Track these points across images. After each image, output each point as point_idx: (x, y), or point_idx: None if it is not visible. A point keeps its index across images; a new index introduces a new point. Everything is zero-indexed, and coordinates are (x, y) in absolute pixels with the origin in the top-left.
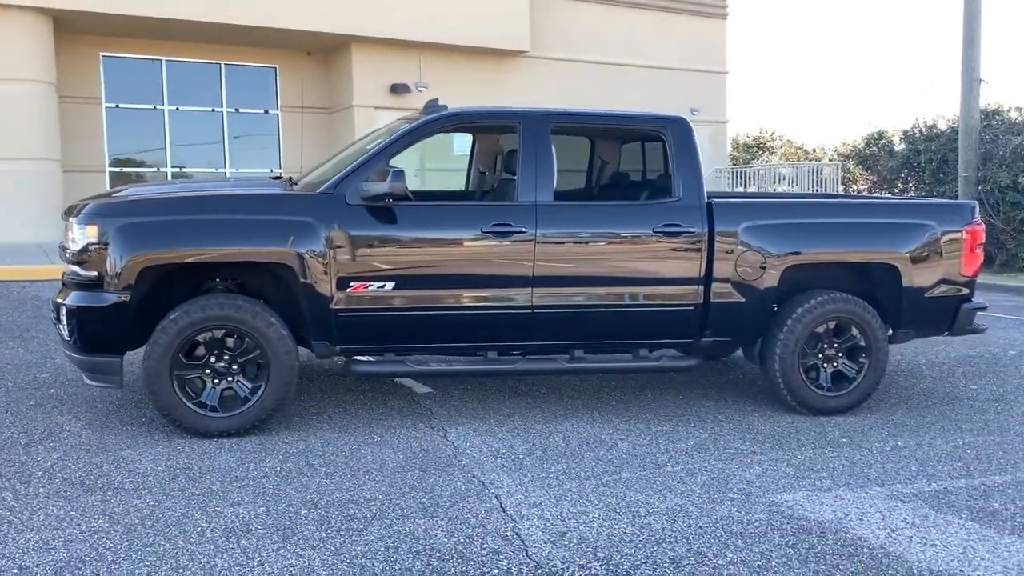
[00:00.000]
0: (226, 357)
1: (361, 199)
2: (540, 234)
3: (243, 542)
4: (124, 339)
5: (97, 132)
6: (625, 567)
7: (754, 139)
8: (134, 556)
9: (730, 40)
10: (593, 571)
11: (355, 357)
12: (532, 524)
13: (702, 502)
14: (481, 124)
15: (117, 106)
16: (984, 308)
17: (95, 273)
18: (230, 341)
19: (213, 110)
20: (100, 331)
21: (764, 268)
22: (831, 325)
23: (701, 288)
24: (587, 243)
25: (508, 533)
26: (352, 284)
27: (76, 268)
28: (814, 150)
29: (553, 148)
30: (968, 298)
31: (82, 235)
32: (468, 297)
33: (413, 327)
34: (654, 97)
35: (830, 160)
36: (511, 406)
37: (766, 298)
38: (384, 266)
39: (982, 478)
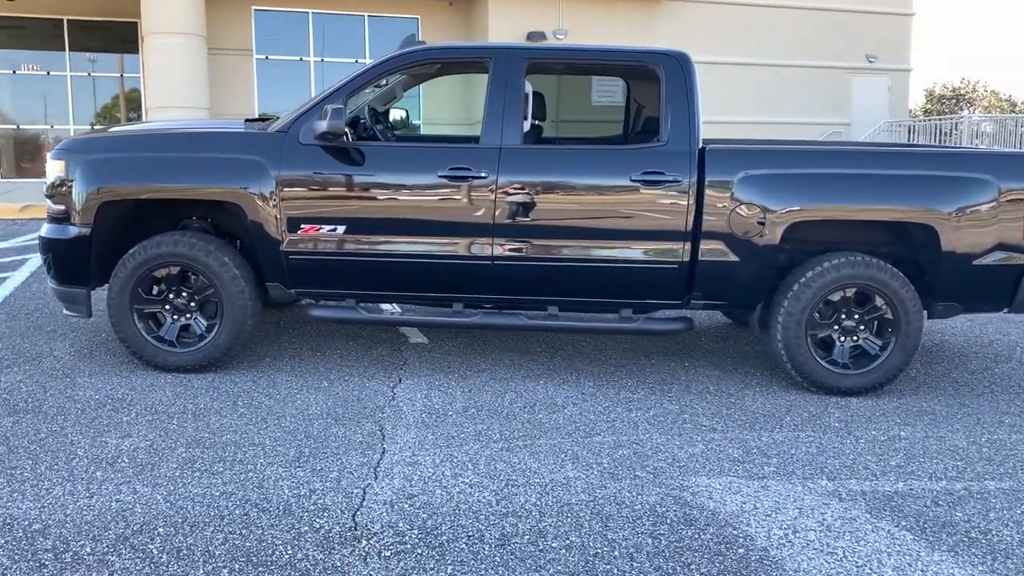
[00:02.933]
0: (184, 294)
1: (314, 138)
2: (502, 180)
3: (98, 473)
4: (88, 272)
5: (248, 84)
6: (443, 538)
7: (952, 90)
8: None
9: None
10: (406, 539)
11: (322, 301)
12: (390, 484)
13: (598, 478)
14: (452, 60)
15: (267, 58)
16: None
17: (63, 207)
18: (192, 279)
19: (357, 61)
20: (66, 263)
21: (763, 224)
22: (849, 293)
23: (687, 245)
24: (554, 191)
25: (355, 491)
26: (302, 226)
27: (49, 202)
28: None
29: (526, 87)
30: None
31: (53, 170)
32: (423, 245)
33: (366, 273)
34: (820, 43)
35: None
36: (491, 361)
37: (765, 258)
38: (335, 209)
39: (970, 482)
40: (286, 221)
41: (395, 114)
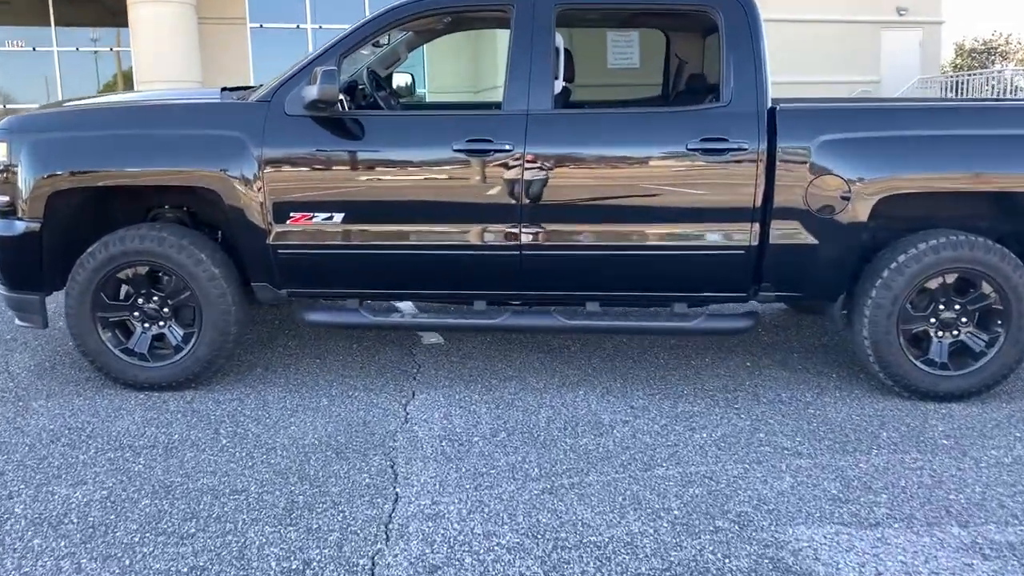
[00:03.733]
0: (155, 299)
1: (303, 108)
2: (530, 153)
3: (36, 541)
4: (40, 275)
5: (243, 54)
6: None
7: (983, 43)
8: None
9: None
10: None
11: (318, 302)
12: (406, 550)
13: (669, 533)
14: (466, 11)
15: (261, 26)
16: None
17: (7, 198)
18: (164, 281)
19: None
20: (14, 264)
21: (848, 199)
22: (950, 279)
23: (755, 225)
24: (593, 165)
25: (361, 561)
26: (292, 215)
27: None
28: None
29: (558, 42)
30: None
31: None
32: (436, 233)
33: (369, 269)
34: None
35: None
36: (519, 365)
37: (851, 239)
38: (331, 193)
39: None
40: (272, 209)
41: (399, 79)
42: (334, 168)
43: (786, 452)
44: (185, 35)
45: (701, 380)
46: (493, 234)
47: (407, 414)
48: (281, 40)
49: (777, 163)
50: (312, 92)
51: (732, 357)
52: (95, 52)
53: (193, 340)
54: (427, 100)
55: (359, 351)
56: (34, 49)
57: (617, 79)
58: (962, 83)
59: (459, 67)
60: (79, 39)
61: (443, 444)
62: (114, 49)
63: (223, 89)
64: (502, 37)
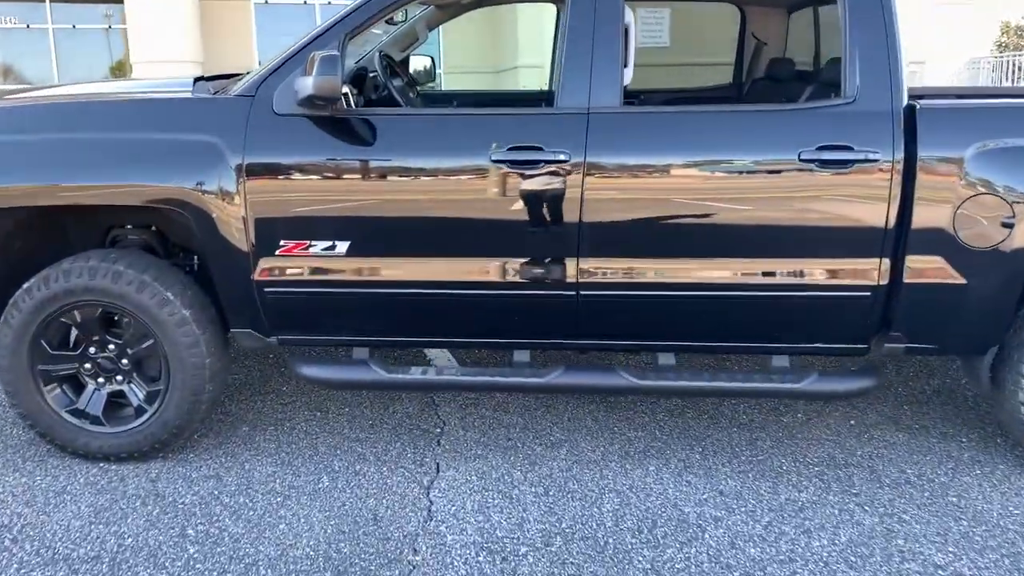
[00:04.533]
0: (111, 347)
1: (296, 105)
2: (591, 163)
3: None
4: None
5: (246, 32)
6: None
7: None
8: None
9: None
10: None
11: (317, 352)
12: None
13: None
14: None
15: (266, 2)
16: None
17: None
18: (124, 324)
19: None
20: None
21: (1010, 225)
22: None
23: (885, 259)
24: (674, 180)
25: None
26: (283, 243)
27: None
28: None
29: (626, 16)
30: None
31: None
32: (467, 268)
33: (382, 312)
34: None
35: None
36: (568, 425)
37: (1011, 278)
38: (334, 215)
39: None
40: (257, 236)
41: (417, 63)
42: (337, 183)
43: (940, 570)
44: (184, 11)
45: (799, 447)
46: (542, 269)
47: (430, 503)
48: (288, 16)
49: (917, 178)
50: (307, 85)
51: (830, 411)
52: (92, 29)
53: (159, 401)
54: (442, 85)
55: (369, 401)
56: (28, 26)
57: (654, 58)
58: (1018, 64)
59: (477, 44)
60: (75, 15)
61: (480, 558)
62: (112, 27)
63: (197, 79)
64: (523, 10)
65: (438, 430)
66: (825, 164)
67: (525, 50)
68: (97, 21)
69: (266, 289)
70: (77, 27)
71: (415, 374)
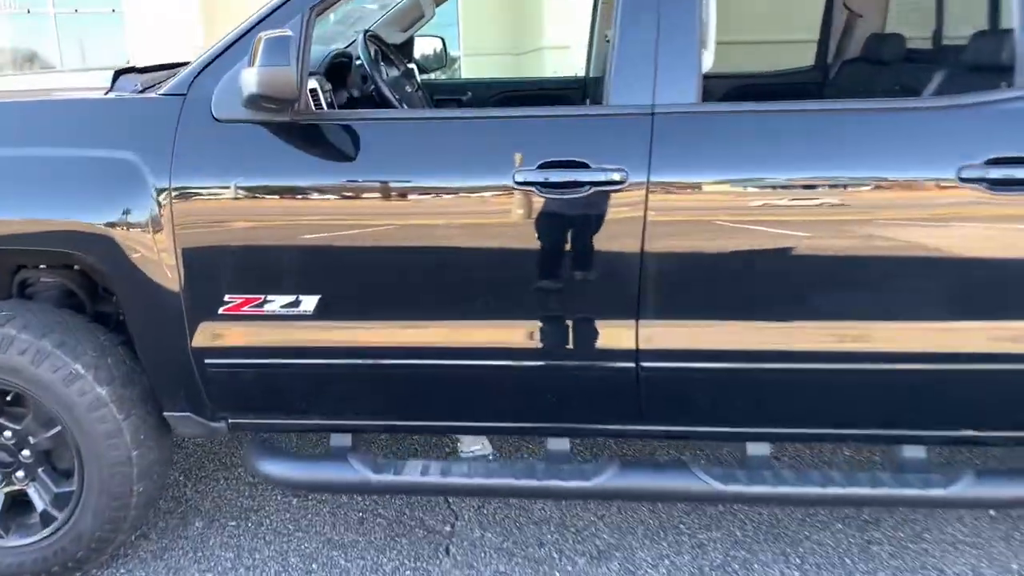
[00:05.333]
0: (7, 434)
1: (242, 107)
2: (658, 184)
3: None
4: None
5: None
6: None
7: None
8: None
9: None
10: None
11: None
12: None
13: None
14: None
15: None
16: None
17: None
18: (25, 405)
19: None
20: None
21: None
22: None
23: None
24: (779, 206)
25: None
26: (229, 298)
27: None
28: None
29: None
30: None
31: None
32: (483, 334)
33: (368, 389)
34: None
35: None
36: (617, 523)
37: None
38: (298, 259)
39: None
40: (192, 289)
41: (423, 46)
42: (301, 216)
43: None
44: None
45: (931, 556)
46: (588, 332)
47: None
48: None
49: None
50: (250, 80)
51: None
52: (95, 13)
53: (71, 506)
54: (462, 71)
55: (354, 506)
56: (29, 11)
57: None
58: None
59: (493, 22)
60: (77, 0)
61: None
62: (116, 11)
63: (118, 72)
64: None
65: (447, 528)
66: (997, 184)
67: (551, 28)
68: (100, 5)
69: (207, 361)
70: (80, 11)
71: (412, 474)
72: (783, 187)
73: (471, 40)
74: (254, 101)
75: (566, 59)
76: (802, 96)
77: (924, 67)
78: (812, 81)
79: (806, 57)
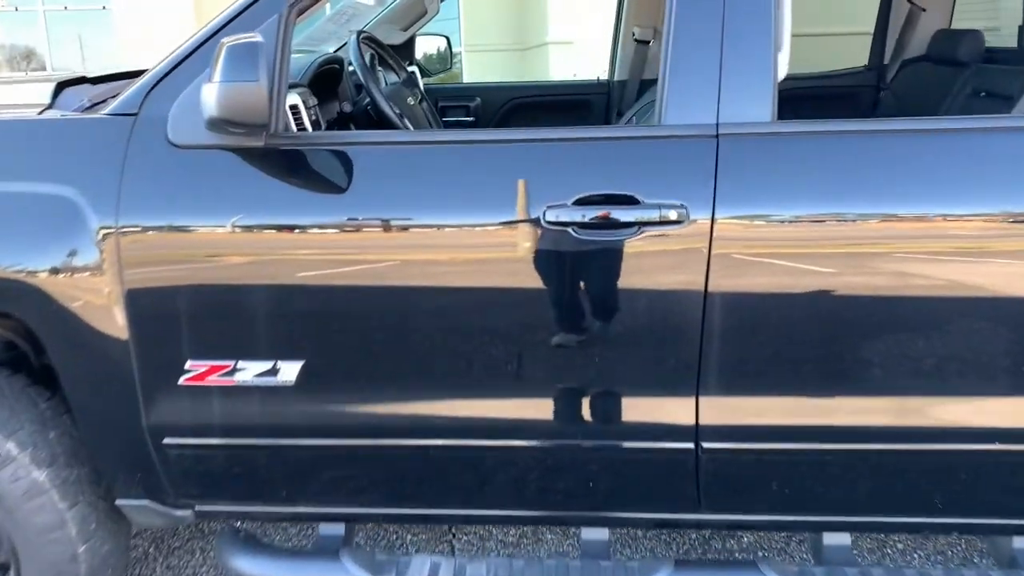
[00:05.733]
0: None
1: (204, 133)
2: (727, 224)
3: None
4: None
5: None
6: None
7: None
8: None
9: None
10: None
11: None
12: None
13: None
14: None
15: None
16: None
17: None
18: None
19: None
20: None
21: None
22: None
23: None
24: (877, 252)
25: None
26: (191, 365)
27: None
28: None
29: None
30: None
31: None
32: (505, 407)
33: (363, 472)
34: None
35: None
36: None
37: None
38: (275, 318)
39: None
40: (145, 353)
41: (425, 46)
42: (278, 262)
43: None
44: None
45: None
46: (636, 406)
47: None
48: None
49: None
50: (209, 100)
51: None
52: (85, 10)
53: None
54: (463, 68)
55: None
56: (16, 9)
57: None
58: None
59: (497, 16)
60: None
61: None
62: (106, 7)
63: (61, 85)
64: None
65: None
66: None
67: (556, 23)
68: (90, 2)
69: (167, 441)
70: (69, 8)
71: (419, 574)
72: (884, 225)
73: (473, 36)
74: (216, 124)
75: (572, 56)
76: (855, 102)
77: (1010, 71)
78: (866, 84)
79: (853, 54)
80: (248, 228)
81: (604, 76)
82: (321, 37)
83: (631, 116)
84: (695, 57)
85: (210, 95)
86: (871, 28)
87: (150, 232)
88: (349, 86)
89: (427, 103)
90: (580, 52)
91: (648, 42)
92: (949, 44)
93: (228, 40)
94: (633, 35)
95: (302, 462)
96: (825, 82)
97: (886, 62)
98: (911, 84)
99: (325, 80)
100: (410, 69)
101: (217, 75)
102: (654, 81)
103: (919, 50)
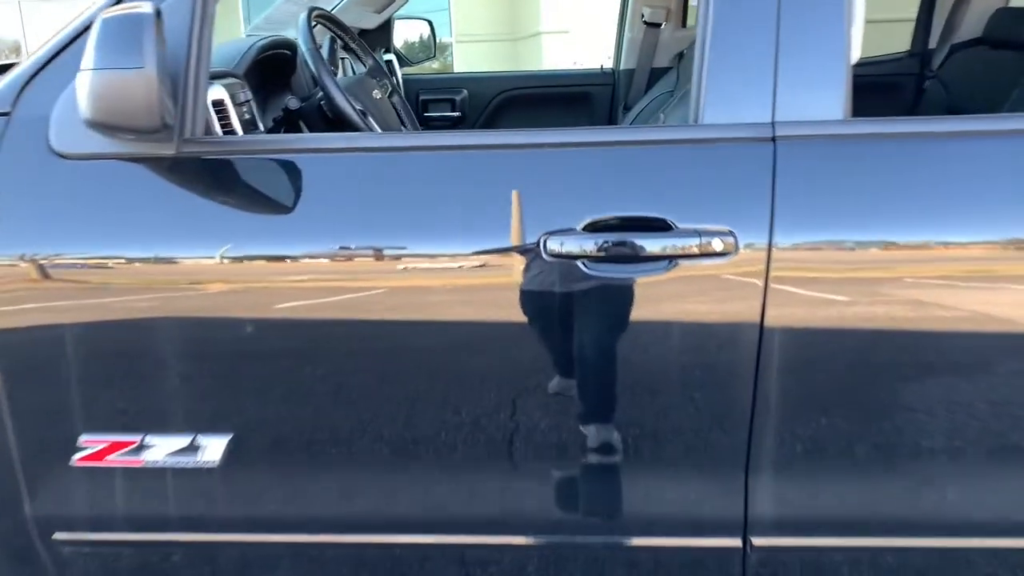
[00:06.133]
0: None
1: (94, 140)
2: (785, 251)
3: None
4: None
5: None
6: None
7: None
8: None
9: None
10: None
11: None
12: None
13: None
14: None
15: None
16: None
17: None
18: None
19: None
20: None
21: None
22: None
23: None
24: (991, 288)
25: None
26: (84, 441)
27: None
28: None
29: None
30: None
31: None
32: (493, 495)
33: (315, 572)
34: None
35: None
36: None
37: None
38: (194, 378)
39: None
40: (28, 426)
41: (405, 31)
42: (200, 306)
43: None
44: None
45: None
46: (666, 494)
47: None
48: None
49: None
50: (81, 94)
51: None
52: (65, 2)
53: None
54: (454, 60)
55: None
56: None
57: None
58: None
59: (493, 5)
60: None
61: None
62: None
63: None
64: None
65: None
66: None
67: (549, 11)
68: None
69: (57, 537)
70: None
71: None
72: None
73: (463, 25)
74: (97, 128)
75: (567, 45)
76: (895, 93)
77: None
78: (908, 72)
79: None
80: (157, 260)
81: (608, 64)
82: (282, 19)
83: (640, 111)
84: (743, 36)
85: (82, 87)
86: (914, 15)
87: (24, 264)
88: (305, 77)
89: (399, 97)
90: (576, 42)
91: (660, 24)
92: (1012, 24)
93: (106, 11)
94: (642, 16)
95: (231, 563)
96: (858, 70)
97: (931, 47)
98: (963, 71)
99: (273, 69)
100: (387, 57)
101: (89, 60)
102: (666, 70)
103: (973, 32)
